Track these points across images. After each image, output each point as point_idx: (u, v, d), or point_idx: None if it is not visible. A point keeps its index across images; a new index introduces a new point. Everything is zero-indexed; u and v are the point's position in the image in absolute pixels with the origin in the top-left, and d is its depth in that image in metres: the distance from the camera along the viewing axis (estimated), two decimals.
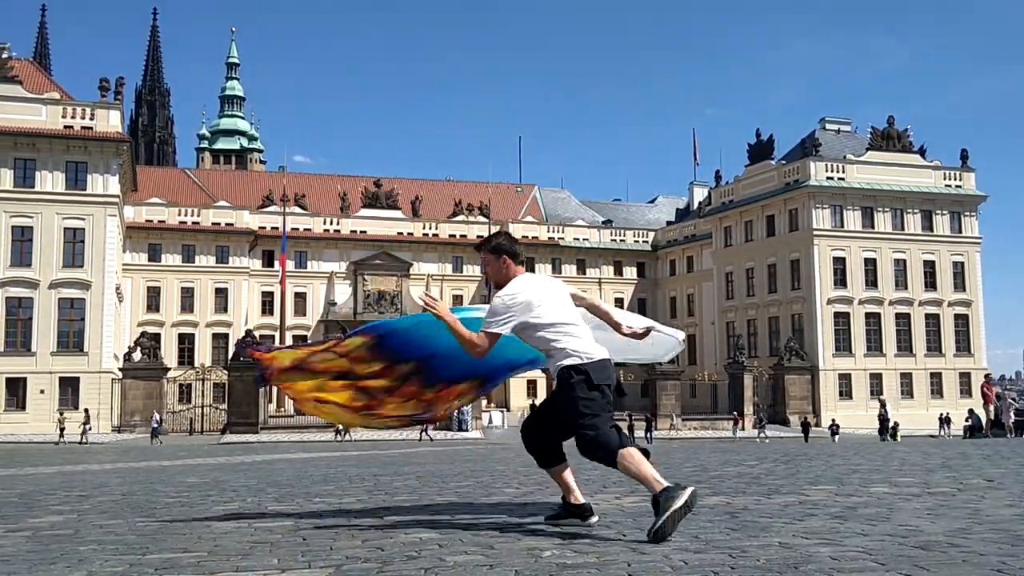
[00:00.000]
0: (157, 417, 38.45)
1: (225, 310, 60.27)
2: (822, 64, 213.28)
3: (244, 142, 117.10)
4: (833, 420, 41.39)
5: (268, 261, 62.25)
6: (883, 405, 37.79)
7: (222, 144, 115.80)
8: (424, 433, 36.50)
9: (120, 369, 43.91)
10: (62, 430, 36.17)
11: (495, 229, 64.68)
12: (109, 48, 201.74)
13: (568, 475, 4.55)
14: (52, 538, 4.50)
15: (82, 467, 13.66)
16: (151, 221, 59.79)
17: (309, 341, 6.60)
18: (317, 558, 3.62)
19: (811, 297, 54.34)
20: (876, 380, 54.34)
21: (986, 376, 29.43)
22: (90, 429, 36.97)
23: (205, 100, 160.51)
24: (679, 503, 3.81)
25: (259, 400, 41.67)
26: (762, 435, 38.57)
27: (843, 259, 55.05)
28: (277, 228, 59.47)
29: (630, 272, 70.00)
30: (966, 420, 33.88)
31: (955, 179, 58.67)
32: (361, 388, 4.81)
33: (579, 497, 4.56)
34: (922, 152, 58.52)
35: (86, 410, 39.49)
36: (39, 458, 18.40)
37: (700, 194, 71.88)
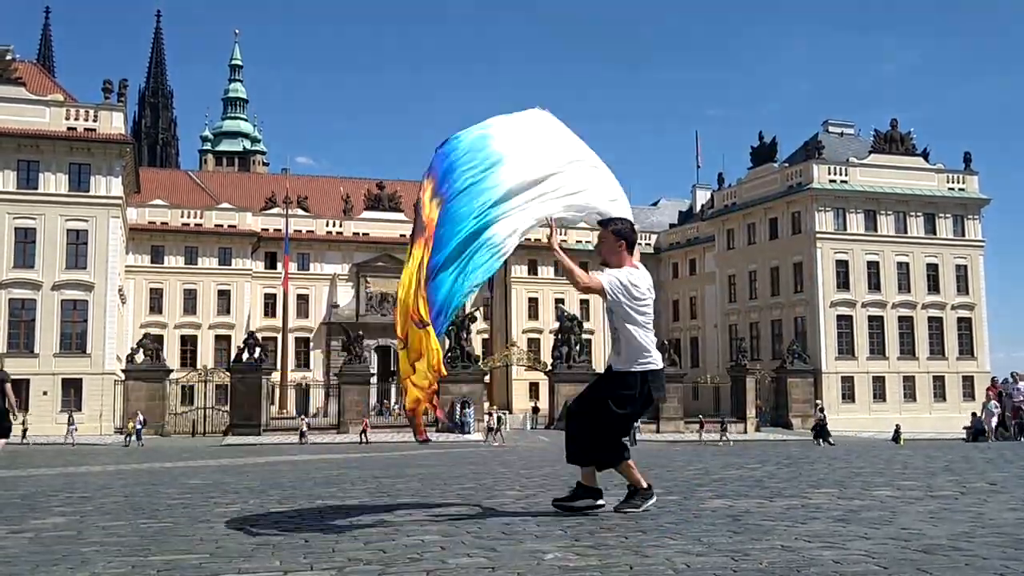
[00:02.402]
0: (141, 418, 38.12)
1: (227, 312, 60.34)
2: (825, 66, 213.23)
3: (247, 144, 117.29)
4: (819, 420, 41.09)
5: (271, 263, 62.32)
6: (820, 410, 37.80)
7: (225, 146, 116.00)
8: (363, 436, 36.58)
9: (123, 371, 43.94)
10: (24, 431, 36.27)
11: None
12: (112, 50, 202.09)
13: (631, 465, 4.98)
14: (55, 539, 4.50)
15: (84, 468, 13.66)
16: (154, 223, 59.89)
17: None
18: (319, 560, 3.62)
19: (814, 300, 54.29)
20: (879, 383, 54.29)
21: (992, 380, 29.41)
22: (75, 430, 36.81)
23: (208, 102, 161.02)
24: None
25: (261, 402, 41.71)
26: (724, 438, 38.14)
27: (846, 262, 55.01)
28: (280, 230, 59.53)
29: None
30: (966, 426, 33.80)
31: (958, 182, 58.62)
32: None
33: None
34: (925, 155, 58.49)
35: (70, 414, 38.98)
36: (41, 459, 18.43)
37: (702, 196, 71.85)
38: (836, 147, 58.41)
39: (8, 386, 13.45)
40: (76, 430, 37.10)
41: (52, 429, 38.81)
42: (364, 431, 37.46)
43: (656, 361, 4.89)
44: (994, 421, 23.47)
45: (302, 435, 36.47)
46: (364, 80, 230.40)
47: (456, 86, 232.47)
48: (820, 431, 35.11)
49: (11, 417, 13.41)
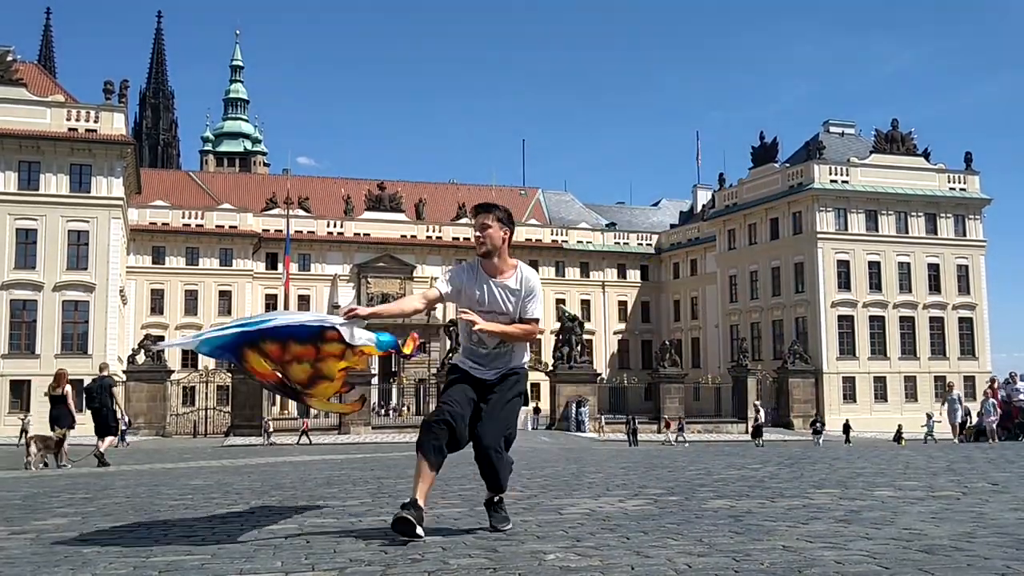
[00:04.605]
0: (126, 419, 37.73)
1: (229, 313, 60.29)
2: (826, 66, 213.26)
3: (248, 145, 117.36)
4: (815, 420, 41.14)
5: (272, 264, 62.36)
6: (757, 411, 37.92)
7: (226, 147, 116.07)
8: (304, 436, 35.86)
9: (124, 371, 43.95)
10: (24, 431, 35.96)
11: None
12: (113, 51, 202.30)
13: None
14: (56, 540, 4.51)
15: (86, 469, 13.69)
16: (155, 224, 59.94)
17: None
18: (321, 561, 3.63)
19: (815, 300, 54.26)
20: (880, 383, 54.24)
21: (991, 380, 29.29)
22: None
23: (209, 103, 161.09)
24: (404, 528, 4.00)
25: (263, 403, 41.69)
26: (679, 439, 36.81)
27: (847, 262, 54.98)
28: (281, 231, 59.58)
29: (634, 275, 69.99)
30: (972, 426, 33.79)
31: (959, 182, 58.57)
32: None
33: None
34: (926, 155, 58.45)
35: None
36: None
37: (703, 197, 71.89)
38: (837, 147, 58.38)
39: (115, 391, 15.52)
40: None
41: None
42: (305, 432, 37.01)
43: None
44: (994, 421, 23.29)
45: (268, 435, 35.77)
46: (365, 81, 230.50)
47: (457, 87, 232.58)
48: (756, 431, 35.59)
49: (118, 418, 15.49)
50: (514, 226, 4.45)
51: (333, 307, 62.99)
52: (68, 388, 14.92)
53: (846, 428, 40.65)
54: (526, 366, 4.54)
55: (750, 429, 38.12)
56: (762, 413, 37.58)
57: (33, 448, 14.05)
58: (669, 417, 41.88)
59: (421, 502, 4.08)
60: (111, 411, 15.22)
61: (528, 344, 4.54)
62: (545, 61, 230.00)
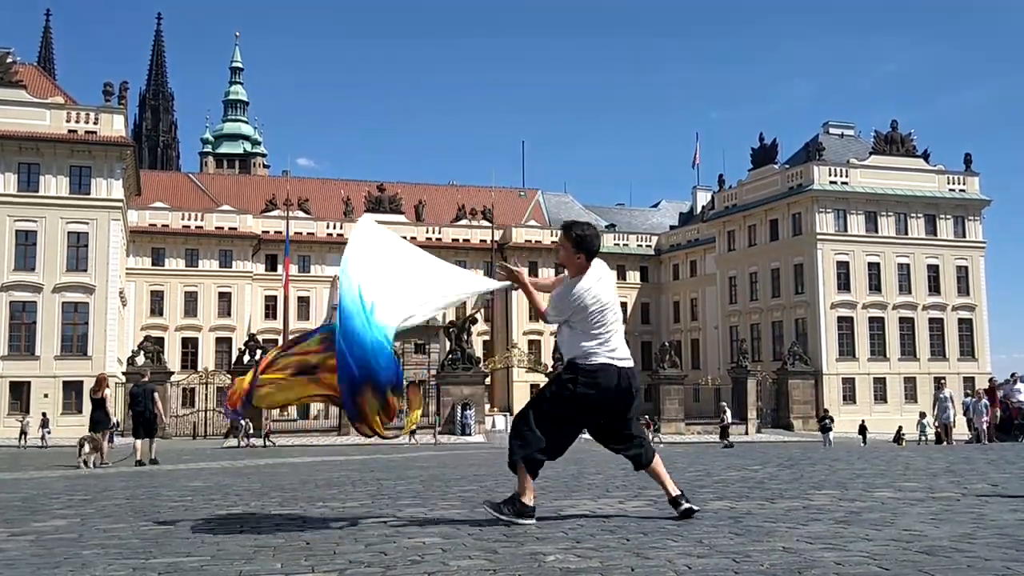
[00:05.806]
0: (115, 420, 37.44)
1: (228, 314, 60.34)
2: (826, 66, 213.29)
3: (248, 146, 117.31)
4: (823, 418, 41.08)
5: (271, 265, 62.37)
6: (723, 412, 37.84)
7: (226, 148, 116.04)
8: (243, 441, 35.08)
9: (123, 373, 43.94)
10: (24, 433, 35.99)
11: (498, 234, 64.95)
12: (113, 53, 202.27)
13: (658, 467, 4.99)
14: (56, 542, 4.50)
15: (85, 471, 13.69)
16: (155, 225, 59.95)
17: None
18: (321, 562, 3.62)
19: (815, 301, 54.26)
20: (880, 384, 54.25)
21: (990, 380, 29.26)
22: (49, 433, 36.43)
23: (209, 104, 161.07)
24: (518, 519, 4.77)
25: None
26: (655, 439, 36.64)
27: (847, 263, 55.00)
28: (280, 232, 59.56)
29: (633, 276, 69.99)
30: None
31: (959, 183, 58.60)
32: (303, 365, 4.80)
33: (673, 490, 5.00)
34: (926, 156, 58.47)
35: (43, 416, 38.55)
36: (43, 461, 18.44)
37: (703, 198, 71.89)
38: (836, 148, 58.41)
39: (156, 395, 16.48)
40: (50, 433, 36.67)
41: (54, 431, 38.77)
42: (267, 434, 36.61)
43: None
44: (986, 422, 23.14)
45: (248, 436, 35.31)
46: (364, 82, 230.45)
47: (456, 88, 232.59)
48: (723, 432, 35.61)
49: (157, 422, 16.41)
50: (585, 247, 4.70)
51: (332, 308, 63.02)
52: (107, 392, 15.81)
53: (862, 429, 40.67)
54: (570, 361, 4.80)
55: (721, 430, 38.25)
56: (728, 414, 37.77)
57: (86, 448, 14.84)
58: (648, 419, 42.06)
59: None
60: (153, 415, 16.24)
61: (577, 341, 4.75)
62: (545, 62, 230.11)
